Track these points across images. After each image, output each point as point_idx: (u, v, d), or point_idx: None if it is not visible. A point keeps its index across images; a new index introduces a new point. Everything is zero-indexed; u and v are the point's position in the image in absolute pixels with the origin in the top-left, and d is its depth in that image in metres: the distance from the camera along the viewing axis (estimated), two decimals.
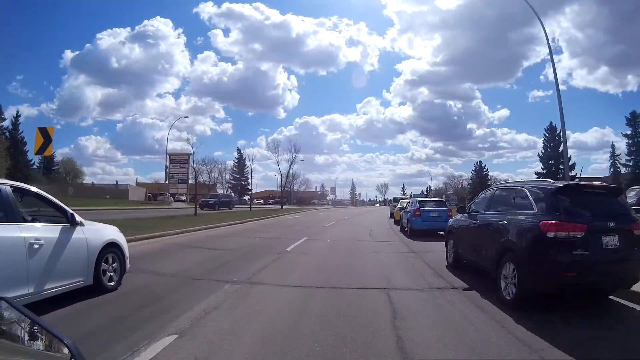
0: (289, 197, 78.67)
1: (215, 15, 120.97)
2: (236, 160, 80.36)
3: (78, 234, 4.54)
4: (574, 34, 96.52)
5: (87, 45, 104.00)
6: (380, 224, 19.46)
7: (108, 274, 5.01)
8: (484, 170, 74.15)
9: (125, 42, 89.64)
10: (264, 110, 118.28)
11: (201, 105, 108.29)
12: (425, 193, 61.50)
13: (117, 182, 64.88)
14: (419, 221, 13.22)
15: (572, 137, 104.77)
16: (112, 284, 5.05)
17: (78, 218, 4.61)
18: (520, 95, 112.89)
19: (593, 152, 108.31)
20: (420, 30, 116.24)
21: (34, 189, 4.45)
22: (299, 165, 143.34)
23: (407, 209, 14.95)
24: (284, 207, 50.56)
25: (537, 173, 56.01)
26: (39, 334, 0.85)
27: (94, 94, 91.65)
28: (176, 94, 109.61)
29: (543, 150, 58.30)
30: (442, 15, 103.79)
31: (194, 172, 50.54)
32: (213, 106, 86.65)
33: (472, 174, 74.87)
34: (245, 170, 76.82)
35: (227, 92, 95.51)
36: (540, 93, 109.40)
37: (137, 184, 66.11)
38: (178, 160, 59.43)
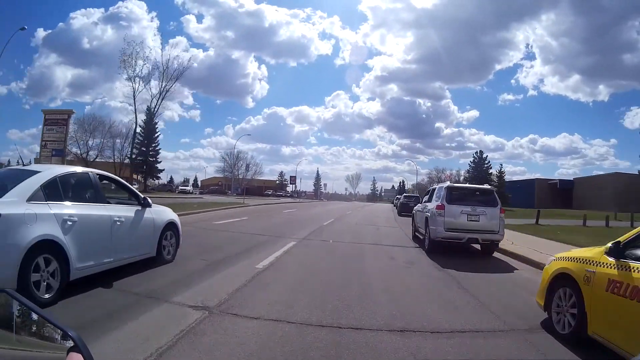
0: (231, 184, 59.34)
1: (189, 0, 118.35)
2: (142, 125, 48.46)
3: (148, 214, 5.38)
4: (548, 42, 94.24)
5: (60, 24, 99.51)
6: None
7: (167, 248, 5.87)
8: (486, 162, 64.01)
9: (98, 23, 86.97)
10: (232, 98, 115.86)
11: (170, 90, 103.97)
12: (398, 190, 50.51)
13: None
14: None
15: (540, 141, 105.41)
16: (170, 256, 5.92)
17: (149, 201, 5.44)
18: (490, 97, 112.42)
19: (560, 157, 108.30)
20: (393, 27, 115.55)
21: (113, 175, 5.29)
22: (264, 155, 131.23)
23: None
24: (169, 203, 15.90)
25: None
26: (40, 326, 0.85)
27: (64, 74, 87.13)
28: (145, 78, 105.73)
29: None
30: (416, 14, 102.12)
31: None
32: (182, 92, 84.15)
33: (469, 165, 69.36)
34: (155, 140, 50.41)
35: (197, 78, 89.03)
36: (510, 96, 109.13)
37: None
38: (54, 120, 39.26)
